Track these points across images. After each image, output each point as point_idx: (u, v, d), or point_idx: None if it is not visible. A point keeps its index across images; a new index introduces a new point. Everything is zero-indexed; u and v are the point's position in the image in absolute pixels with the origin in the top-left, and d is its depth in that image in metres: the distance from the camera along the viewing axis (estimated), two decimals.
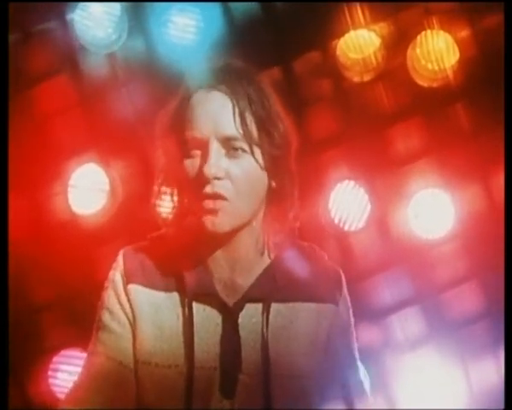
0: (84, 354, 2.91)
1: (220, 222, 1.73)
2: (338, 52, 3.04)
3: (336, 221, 2.99)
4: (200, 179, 1.73)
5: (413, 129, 3.02)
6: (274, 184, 1.79)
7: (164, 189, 1.82)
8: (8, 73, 2.13)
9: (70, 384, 2.91)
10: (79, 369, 2.97)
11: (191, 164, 1.75)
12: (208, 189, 1.73)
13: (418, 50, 3.06)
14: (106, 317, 1.81)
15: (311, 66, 3.05)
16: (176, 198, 1.81)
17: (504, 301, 2.03)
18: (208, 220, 1.73)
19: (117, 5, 3.00)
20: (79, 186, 2.97)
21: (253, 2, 3.04)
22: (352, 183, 3.01)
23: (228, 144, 1.75)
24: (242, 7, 3.02)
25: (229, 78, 1.76)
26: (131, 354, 1.78)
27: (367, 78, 3.05)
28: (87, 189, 2.97)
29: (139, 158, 2.97)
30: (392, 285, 2.98)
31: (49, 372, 2.96)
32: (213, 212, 1.73)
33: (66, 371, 2.96)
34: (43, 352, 2.97)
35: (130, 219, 2.94)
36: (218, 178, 1.73)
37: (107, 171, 2.99)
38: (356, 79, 3.05)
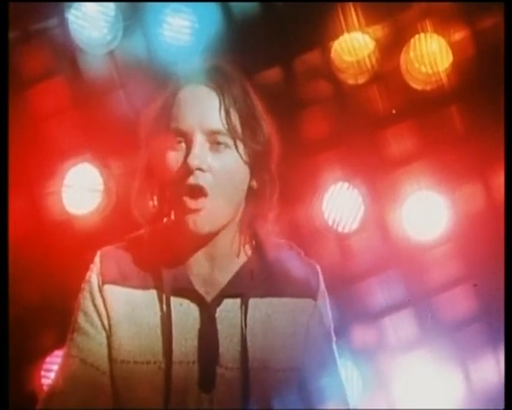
0: None
1: (202, 222, 1.75)
2: (333, 55, 3.06)
3: (330, 223, 3.01)
4: (183, 170, 1.75)
5: (406, 131, 3.03)
6: (255, 183, 1.81)
7: (144, 187, 1.84)
8: (8, 73, 2.13)
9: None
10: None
11: (175, 157, 1.77)
12: (191, 180, 1.74)
13: (412, 53, 3.08)
14: (80, 318, 1.83)
15: (305, 68, 3.06)
16: (156, 197, 1.83)
17: (504, 302, 2.03)
18: (190, 220, 1.75)
19: (111, 5, 3.00)
20: (74, 186, 2.97)
21: (248, 5, 3.05)
22: (346, 184, 3.02)
23: (212, 138, 1.77)
24: (238, 9, 3.03)
25: (216, 76, 1.79)
26: (105, 356, 1.79)
27: (361, 80, 3.06)
28: (81, 189, 2.98)
29: (133, 158, 2.97)
30: (385, 287, 2.99)
31: (42, 372, 2.96)
32: (195, 211, 1.75)
33: None
34: (36, 352, 2.97)
35: (124, 218, 2.94)
36: (201, 170, 1.75)
37: (102, 171, 2.99)
38: (350, 81, 3.07)
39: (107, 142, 3.01)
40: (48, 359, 2.96)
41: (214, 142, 1.77)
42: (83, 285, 1.85)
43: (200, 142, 1.76)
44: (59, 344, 2.97)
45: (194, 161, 1.74)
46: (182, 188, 1.75)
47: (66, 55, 3.01)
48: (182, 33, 3.01)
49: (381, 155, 3.04)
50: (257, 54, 2.97)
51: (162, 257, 1.81)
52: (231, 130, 1.77)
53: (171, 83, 1.83)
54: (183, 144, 1.77)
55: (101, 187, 2.99)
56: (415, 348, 2.94)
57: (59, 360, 2.96)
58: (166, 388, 1.75)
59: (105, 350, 1.79)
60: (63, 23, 3.00)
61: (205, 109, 1.77)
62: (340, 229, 3.01)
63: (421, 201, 3.01)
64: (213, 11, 3.03)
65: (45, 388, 3.03)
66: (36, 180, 2.96)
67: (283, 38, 3.05)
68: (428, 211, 3.01)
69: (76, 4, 2.98)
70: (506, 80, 2.23)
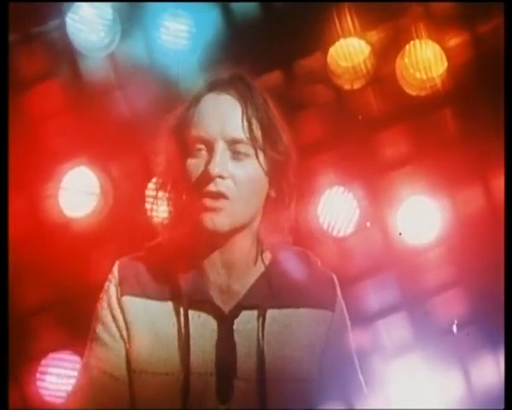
0: (73, 357, 2.97)
1: (220, 221, 1.77)
2: (329, 60, 3.08)
3: (325, 227, 3.02)
4: (204, 177, 1.77)
5: (401, 136, 3.05)
6: (273, 193, 1.84)
7: (161, 194, 1.85)
8: (7, 74, 2.13)
9: (58, 387, 2.99)
10: (68, 372, 2.98)
11: (195, 163, 1.79)
12: (212, 187, 1.77)
13: (407, 59, 3.10)
14: (99, 328, 1.84)
15: (302, 73, 3.08)
16: (172, 203, 1.84)
17: (504, 302, 2.05)
18: (208, 218, 1.76)
19: (109, 9, 3.01)
20: (71, 189, 2.98)
21: (245, 10, 3.06)
22: (341, 188, 3.04)
23: (233, 146, 1.79)
24: (235, 13, 3.05)
25: (237, 86, 1.82)
26: (124, 366, 1.80)
27: (357, 85, 3.08)
28: (78, 192, 2.98)
29: (130, 161, 2.99)
30: (379, 291, 3.01)
31: (38, 375, 2.96)
32: (214, 209, 1.76)
33: (54, 374, 2.96)
34: (32, 354, 2.97)
35: (120, 221, 2.96)
36: (222, 177, 1.77)
37: (98, 174, 3.00)
38: (346, 86, 3.09)
39: (105, 145, 3.01)
40: (43, 361, 2.97)
41: (235, 150, 1.79)
42: (101, 295, 1.87)
43: (221, 150, 1.78)
44: (55, 347, 3.01)
45: (215, 169, 1.76)
46: (202, 193, 1.77)
47: (64, 58, 3.01)
48: (179, 37, 3.03)
49: (376, 160, 3.06)
50: (253, 59, 2.98)
51: (180, 265, 1.83)
52: (252, 139, 1.79)
53: (193, 91, 1.85)
54: (204, 152, 1.79)
55: (97, 190, 3.00)
56: (410, 351, 2.95)
57: (55, 362, 3.05)
58: (184, 398, 1.76)
59: (123, 360, 1.81)
60: (61, 26, 3.00)
61: (227, 118, 1.80)
62: (335, 233, 3.03)
63: (415, 205, 3.04)
64: (210, 15, 3.05)
65: (41, 390, 3.08)
66: (33, 183, 2.96)
67: (279, 43, 3.07)
68: (423, 215, 3.03)
69: (74, 8, 2.99)
70: (506, 81, 2.24)
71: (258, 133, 1.80)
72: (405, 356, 2.91)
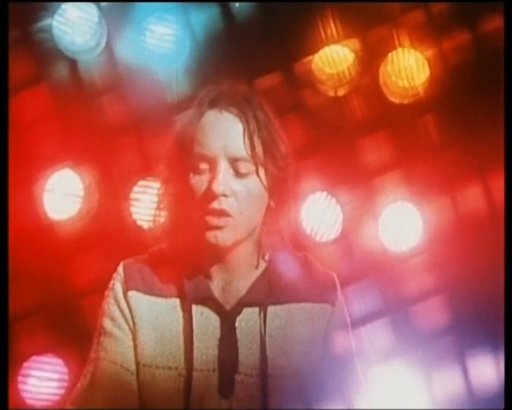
0: (56, 360, 2.95)
1: (223, 237, 1.82)
2: (313, 66, 3.10)
3: (308, 232, 3.04)
4: (207, 195, 1.81)
5: (384, 143, 3.09)
6: (272, 203, 1.88)
7: (163, 202, 1.90)
8: (7, 74, 2.13)
9: (40, 390, 2.98)
10: (49, 375, 2.96)
11: (198, 180, 1.83)
12: (215, 204, 1.81)
13: (389, 67, 3.13)
14: (107, 324, 1.87)
15: (286, 79, 3.10)
16: (174, 211, 1.89)
17: (504, 302, 2.09)
18: (212, 235, 1.81)
19: (95, 11, 3.01)
20: (55, 191, 2.97)
21: (228, 16, 3.08)
22: (324, 194, 3.06)
23: (236, 164, 1.83)
24: (220, 19, 3.06)
25: (239, 102, 1.85)
26: (133, 358, 1.84)
27: (341, 92, 3.11)
28: (62, 194, 2.97)
29: (115, 164, 2.99)
30: (361, 297, 3.03)
31: (20, 378, 2.94)
32: (218, 227, 1.81)
33: (36, 377, 2.95)
34: (14, 358, 2.95)
35: (105, 224, 2.95)
36: (225, 196, 1.81)
37: (83, 176, 3.00)
38: (330, 93, 3.11)
39: (89, 148, 3.01)
40: (25, 364, 2.95)
41: (237, 168, 1.83)
42: (106, 293, 1.91)
43: (224, 168, 1.82)
44: (38, 350, 2.99)
45: (218, 188, 1.80)
46: (205, 210, 1.82)
47: (49, 60, 3.00)
48: (164, 41, 3.03)
49: (359, 166, 3.09)
50: (239, 64, 3.00)
51: (183, 269, 1.87)
52: (254, 156, 1.83)
53: (194, 106, 1.87)
54: (207, 169, 1.83)
55: (81, 193, 3.00)
56: (389, 359, 2.98)
57: (37, 365, 3.03)
58: (187, 393, 1.80)
59: (132, 353, 1.85)
60: (45, 28, 2.99)
61: (229, 136, 1.83)
62: (318, 238, 3.05)
63: (397, 211, 3.07)
64: (196, 19, 3.06)
65: (22, 393, 3.06)
66: (17, 185, 2.94)
67: (263, 50, 3.09)
68: (404, 222, 3.06)
69: (59, 10, 2.98)
70: (506, 82, 2.28)
71: (259, 150, 1.84)
72: (384, 364, 2.94)
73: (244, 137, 1.82)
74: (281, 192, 1.88)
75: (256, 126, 1.84)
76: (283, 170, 1.87)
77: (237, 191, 1.82)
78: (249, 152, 1.82)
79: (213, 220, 1.81)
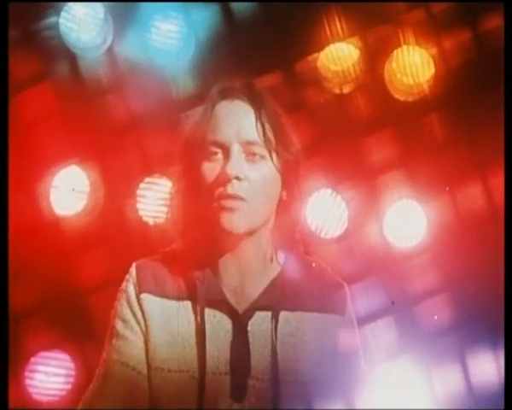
0: (63, 356, 2.97)
1: (237, 221, 1.82)
2: (319, 64, 3.11)
3: (313, 229, 3.05)
4: (221, 179, 1.83)
5: (390, 140, 3.10)
6: (285, 195, 1.90)
7: (176, 199, 1.92)
8: (7, 75, 2.14)
9: (47, 385, 2.99)
10: (56, 370, 2.97)
11: (211, 167, 1.85)
12: (228, 188, 1.82)
13: (394, 65, 3.14)
14: (119, 326, 1.88)
15: (291, 76, 3.11)
16: (187, 210, 1.90)
17: (504, 302, 2.10)
18: (226, 218, 1.82)
19: (100, 8, 3.02)
20: (61, 188, 2.99)
21: (233, 14, 3.09)
22: (329, 191, 3.07)
23: (248, 149, 1.85)
24: (226, 15, 3.07)
25: (249, 92, 1.90)
26: (144, 361, 1.85)
27: (346, 89, 3.12)
28: (69, 190, 2.99)
29: (121, 160, 3.00)
30: (366, 295, 3.04)
31: (26, 373, 2.96)
32: (232, 210, 1.82)
33: (43, 373, 2.96)
34: (20, 353, 2.96)
35: (111, 220, 2.97)
36: (239, 179, 1.83)
37: (89, 173, 3.01)
38: (336, 90, 3.12)
39: (96, 144, 3.03)
40: (32, 359, 2.97)
41: (250, 152, 1.85)
42: (119, 295, 1.91)
43: (237, 152, 1.84)
44: (45, 346, 3.01)
45: (232, 171, 1.82)
46: (219, 195, 1.83)
47: (56, 57, 3.01)
48: (170, 38, 3.04)
49: (364, 163, 3.10)
50: (244, 62, 3.01)
51: (194, 269, 1.88)
52: (266, 141, 1.85)
53: (208, 98, 1.91)
54: (220, 155, 1.85)
55: (87, 189, 3.01)
56: (394, 357, 2.98)
57: (44, 360, 3.04)
58: (199, 396, 1.81)
59: (144, 355, 1.85)
60: (52, 25, 3.01)
61: (241, 121, 1.86)
62: (322, 235, 3.06)
63: (403, 209, 3.07)
64: (202, 16, 3.07)
65: (29, 389, 3.08)
66: (24, 183, 2.96)
67: (269, 47, 3.10)
68: (409, 219, 3.07)
69: (66, 7, 2.99)
70: (506, 83, 2.29)
71: (271, 135, 1.86)
72: (390, 362, 2.95)
73: (256, 123, 1.85)
74: (292, 182, 1.89)
75: (266, 115, 1.87)
76: (295, 155, 1.89)
77: (250, 176, 1.84)
78: (262, 137, 1.85)
79: (227, 203, 1.81)
